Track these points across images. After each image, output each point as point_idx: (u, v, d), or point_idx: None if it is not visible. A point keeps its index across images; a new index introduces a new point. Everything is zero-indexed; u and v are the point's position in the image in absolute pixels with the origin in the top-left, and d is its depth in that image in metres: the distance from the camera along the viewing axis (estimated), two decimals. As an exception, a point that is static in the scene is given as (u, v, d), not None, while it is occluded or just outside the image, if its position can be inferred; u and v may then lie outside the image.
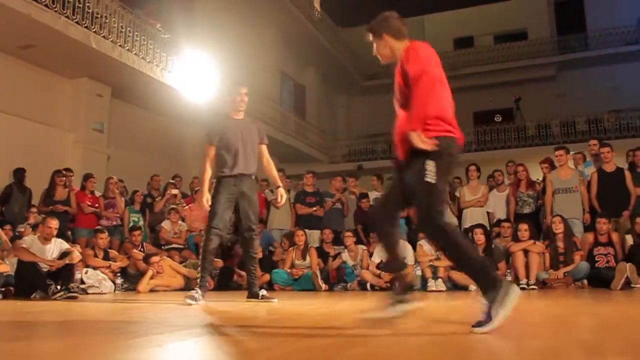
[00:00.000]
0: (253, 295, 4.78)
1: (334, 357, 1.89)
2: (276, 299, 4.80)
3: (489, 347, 2.12)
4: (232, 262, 8.08)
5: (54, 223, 6.02)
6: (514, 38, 21.01)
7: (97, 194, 8.70)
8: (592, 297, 5.28)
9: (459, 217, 8.44)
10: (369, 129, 21.44)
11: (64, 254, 6.02)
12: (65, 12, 8.71)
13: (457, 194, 8.71)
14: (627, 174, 7.41)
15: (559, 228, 6.90)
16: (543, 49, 20.27)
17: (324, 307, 4.48)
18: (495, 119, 18.80)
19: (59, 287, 5.56)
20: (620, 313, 3.53)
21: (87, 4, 9.15)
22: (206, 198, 4.72)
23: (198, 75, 11.28)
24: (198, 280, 4.68)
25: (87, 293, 6.52)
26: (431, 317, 3.32)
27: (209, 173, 4.81)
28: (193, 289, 4.60)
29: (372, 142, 20.38)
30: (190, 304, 4.29)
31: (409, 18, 22.34)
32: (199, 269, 4.69)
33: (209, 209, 4.67)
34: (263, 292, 4.84)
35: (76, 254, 6.11)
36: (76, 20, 8.90)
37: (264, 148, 5.02)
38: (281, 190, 5.04)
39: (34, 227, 6.97)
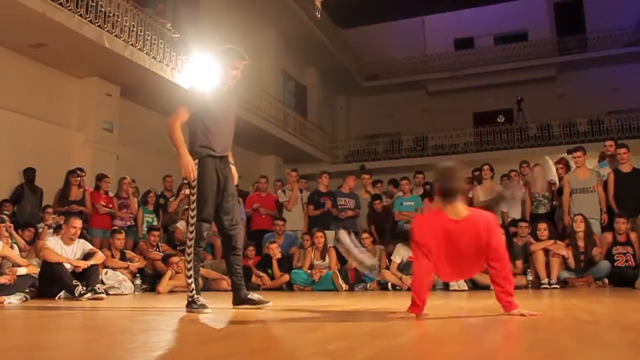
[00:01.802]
0: (241, 300, 4.08)
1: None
2: (270, 302, 4.12)
3: (570, 345, 2.12)
4: (245, 261, 8.05)
5: (78, 223, 5.99)
6: (514, 39, 21.10)
7: (110, 194, 8.66)
8: (622, 295, 5.30)
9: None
10: (369, 130, 21.52)
11: (87, 255, 5.98)
12: (78, 10, 8.64)
13: (470, 195, 8.75)
14: (644, 174, 7.47)
15: (580, 227, 6.94)
16: (543, 50, 20.38)
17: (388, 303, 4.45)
18: (498, 119, 18.87)
19: (85, 287, 5.52)
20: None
21: (100, 3, 9.09)
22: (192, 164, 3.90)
23: (208, 75, 11.23)
24: (191, 285, 3.89)
25: (109, 294, 6.47)
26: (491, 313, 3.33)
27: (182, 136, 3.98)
28: (193, 301, 3.86)
29: (374, 143, 20.41)
30: (204, 312, 3.74)
31: (409, 19, 22.51)
32: (190, 272, 3.92)
33: (195, 176, 3.91)
34: (252, 295, 4.15)
35: (100, 255, 6.09)
36: (89, 19, 8.84)
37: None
38: (234, 169, 4.18)
39: (56, 228, 6.91)
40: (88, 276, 5.72)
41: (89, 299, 5.41)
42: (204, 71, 11.23)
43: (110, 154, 10.62)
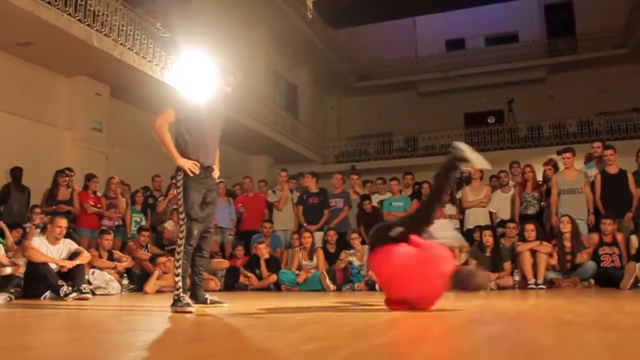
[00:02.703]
0: (200, 300, 4.14)
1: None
2: (226, 303, 4.22)
3: (549, 343, 2.13)
4: (234, 261, 8.06)
5: (63, 222, 5.95)
6: (505, 40, 21.18)
7: (98, 194, 8.63)
8: (607, 295, 5.33)
9: (462, 217, 8.52)
10: (360, 130, 21.53)
11: (73, 255, 5.95)
12: (67, 9, 8.61)
13: (458, 195, 8.78)
14: (630, 176, 7.52)
15: (566, 228, 6.99)
16: (534, 52, 20.47)
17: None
18: (489, 120, 18.94)
19: (70, 287, 5.50)
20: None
21: (89, 2, 9.06)
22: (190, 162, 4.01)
23: (198, 75, 11.21)
24: (178, 284, 3.92)
25: (95, 294, 6.45)
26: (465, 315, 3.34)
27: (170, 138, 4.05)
28: (179, 299, 3.87)
29: (364, 143, 20.43)
30: (189, 311, 3.77)
31: (400, 19, 22.55)
32: (179, 270, 3.96)
33: (193, 167, 4.00)
34: (210, 296, 4.28)
35: (86, 255, 6.06)
36: (78, 18, 8.81)
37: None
38: (216, 171, 4.30)
39: (43, 228, 6.88)
40: (74, 276, 5.68)
41: (75, 299, 5.37)
42: (194, 71, 11.25)
43: (99, 154, 10.59)
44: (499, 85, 20.20)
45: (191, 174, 4.03)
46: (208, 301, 4.20)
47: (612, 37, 19.29)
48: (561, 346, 2.07)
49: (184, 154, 4.06)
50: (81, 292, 5.51)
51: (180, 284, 3.93)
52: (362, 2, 21.09)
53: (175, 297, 3.90)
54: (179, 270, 3.96)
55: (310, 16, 19.15)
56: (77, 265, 5.76)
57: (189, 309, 3.78)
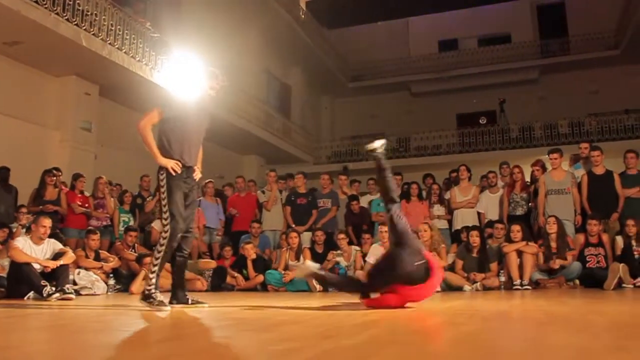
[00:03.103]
0: (181, 300, 4.26)
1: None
2: (207, 303, 4.32)
3: (512, 344, 2.14)
4: (222, 262, 8.06)
5: (47, 222, 5.92)
6: (498, 41, 21.25)
7: (86, 194, 8.61)
8: (589, 296, 5.35)
9: (450, 218, 8.54)
10: (354, 130, 21.54)
11: (57, 255, 5.94)
12: (55, 9, 8.59)
13: (446, 195, 8.80)
14: (616, 177, 7.54)
15: (552, 228, 7.00)
16: (526, 53, 20.55)
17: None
18: (480, 121, 18.98)
19: (53, 288, 5.48)
20: (626, 312, 3.58)
21: (77, 1, 9.03)
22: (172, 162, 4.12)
23: (187, 75, 11.20)
24: (152, 280, 4.02)
25: (80, 294, 6.44)
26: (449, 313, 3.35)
27: (153, 139, 4.16)
28: (150, 295, 3.97)
29: (357, 143, 20.44)
30: (163, 309, 3.86)
31: (393, 20, 22.59)
32: (156, 267, 4.05)
33: (175, 167, 4.11)
34: (190, 296, 4.40)
35: (70, 255, 6.03)
36: (66, 17, 8.79)
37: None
38: (198, 173, 4.40)
39: (29, 228, 6.86)
40: (57, 276, 5.65)
41: (58, 299, 5.36)
42: (182, 71, 11.24)
43: (88, 154, 10.57)
44: (491, 86, 20.27)
45: (173, 173, 4.12)
46: (189, 301, 4.29)
47: (604, 38, 19.39)
48: (526, 348, 2.08)
49: (167, 153, 4.16)
50: (64, 292, 5.49)
51: (154, 280, 4.03)
52: (355, 3, 21.11)
53: (147, 292, 4.01)
54: (156, 268, 4.06)
55: (304, 17, 19.16)
56: (61, 266, 5.73)
57: (164, 307, 3.90)
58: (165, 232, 4.08)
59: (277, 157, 17.30)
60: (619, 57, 18.73)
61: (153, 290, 3.99)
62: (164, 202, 4.14)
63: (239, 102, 14.68)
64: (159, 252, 4.08)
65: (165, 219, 4.09)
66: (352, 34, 22.49)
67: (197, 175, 4.40)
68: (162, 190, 4.16)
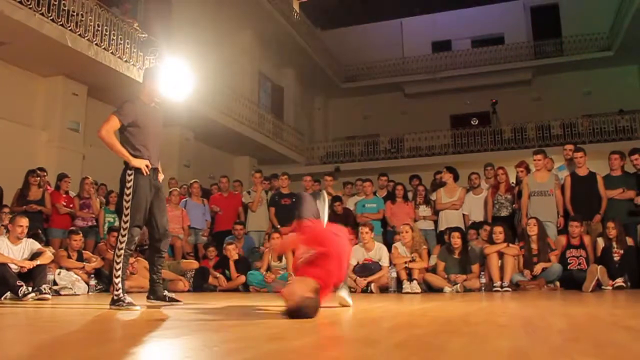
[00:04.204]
0: (159, 297, 4.51)
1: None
2: (182, 301, 4.52)
3: (454, 347, 2.15)
4: (206, 263, 8.07)
5: (24, 221, 5.93)
6: (491, 42, 21.25)
7: (72, 194, 8.62)
8: (563, 298, 5.36)
9: (436, 219, 8.55)
10: (347, 131, 21.56)
11: (35, 255, 5.94)
12: (40, 9, 8.58)
13: (432, 197, 8.81)
14: (599, 178, 7.54)
15: (533, 230, 7.00)
16: (519, 54, 20.56)
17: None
18: (472, 122, 18.98)
19: (30, 288, 5.48)
20: (588, 314, 3.58)
21: (63, 2, 9.03)
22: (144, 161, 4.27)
23: (176, 75, 11.20)
24: (118, 285, 4.13)
25: (60, 294, 6.44)
26: (402, 318, 3.35)
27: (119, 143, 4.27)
28: (119, 299, 4.11)
29: (349, 144, 20.45)
30: (134, 309, 3.99)
31: (387, 21, 22.59)
32: (119, 272, 4.16)
33: (147, 166, 4.26)
34: (168, 294, 4.63)
35: (47, 255, 6.02)
36: (51, 17, 8.78)
37: None
38: (161, 175, 4.57)
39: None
40: (35, 276, 5.66)
41: (34, 299, 5.36)
42: (173, 71, 11.23)
43: (76, 154, 10.56)
44: (485, 87, 20.30)
45: (145, 173, 4.27)
46: (167, 299, 4.52)
47: (597, 39, 19.40)
48: (462, 351, 2.07)
49: (136, 156, 4.30)
50: (41, 292, 5.50)
51: (120, 285, 4.15)
52: (349, 4, 21.13)
53: (115, 297, 4.13)
54: (119, 273, 4.19)
55: (297, 17, 19.16)
56: (38, 266, 5.74)
57: (134, 307, 4.04)
58: (123, 236, 4.20)
59: (269, 158, 17.31)
60: (613, 59, 18.77)
61: (121, 295, 4.12)
62: (126, 205, 4.22)
63: (230, 103, 14.68)
64: (118, 256, 4.21)
65: (125, 222, 4.20)
66: (345, 34, 22.50)
67: (161, 177, 4.58)
68: (129, 192, 4.24)
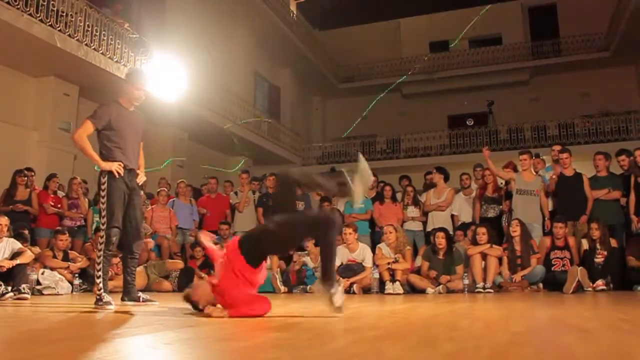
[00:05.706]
0: (133, 298, 4.61)
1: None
2: (157, 301, 4.63)
3: (393, 353, 2.14)
4: (193, 263, 8.08)
5: (3, 220, 5.96)
6: (489, 43, 21.23)
7: (61, 194, 8.65)
8: (541, 300, 5.35)
9: (425, 220, 8.55)
10: (344, 132, 21.51)
11: (16, 254, 5.96)
12: (28, 9, 8.60)
13: (421, 198, 8.80)
14: (585, 179, 7.53)
15: (516, 231, 7.00)
16: (517, 54, 20.53)
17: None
18: (467, 122, 18.95)
19: (9, 288, 5.50)
20: (552, 317, 3.58)
21: (52, 2, 9.05)
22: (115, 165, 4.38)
23: (167, 75, 11.22)
24: (99, 285, 4.27)
25: (43, 294, 6.46)
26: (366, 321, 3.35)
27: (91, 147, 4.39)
28: (100, 299, 4.23)
29: (345, 145, 20.43)
30: (108, 309, 4.08)
31: (385, 22, 22.57)
32: (100, 273, 4.32)
33: (119, 168, 4.37)
34: (142, 295, 4.71)
35: (28, 254, 6.04)
36: (40, 18, 8.80)
37: (141, 145, 4.84)
38: (142, 177, 4.73)
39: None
40: (14, 276, 5.67)
41: (13, 299, 5.38)
42: (164, 71, 11.26)
43: (67, 154, 10.58)
44: (482, 88, 20.26)
45: (117, 175, 4.37)
46: (141, 299, 4.61)
47: (595, 40, 19.36)
48: (403, 356, 2.07)
49: (109, 159, 4.43)
50: (20, 292, 5.51)
51: (101, 285, 4.29)
52: (346, 4, 21.12)
53: (98, 297, 4.28)
54: (100, 273, 4.36)
55: (294, 18, 19.17)
56: (18, 265, 5.75)
57: (109, 307, 4.15)
58: (101, 237, 4.37)
59: (265, 158, 17.31)
60: (610, 59, 18.73)
61: (103, 294, 4.27)
62: (102, 207, 4.37)
63: (225, 104, 14.69)
64: (99, 257, 4.40)
65: (103, 224, 4.37)
66: (343, 35, 22.48)
67: (142, 178, 4.69)
68: (102, 194, 4.38)
